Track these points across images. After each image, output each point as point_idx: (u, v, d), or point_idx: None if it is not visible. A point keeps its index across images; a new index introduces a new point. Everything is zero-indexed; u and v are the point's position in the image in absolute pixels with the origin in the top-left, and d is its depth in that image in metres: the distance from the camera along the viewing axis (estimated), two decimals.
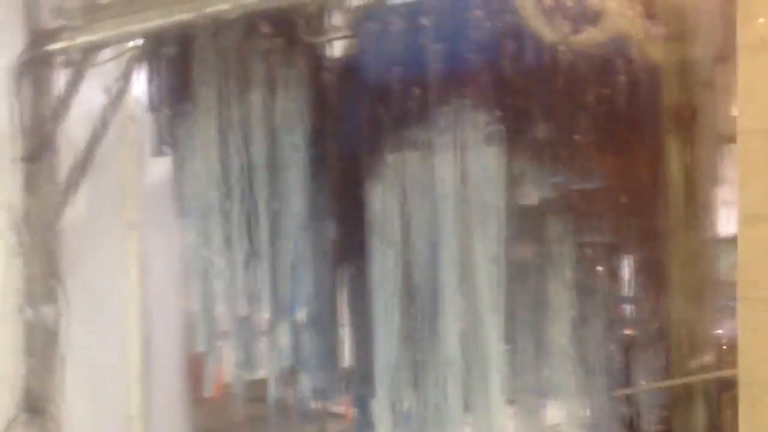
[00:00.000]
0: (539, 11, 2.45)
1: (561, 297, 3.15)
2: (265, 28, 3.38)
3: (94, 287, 4.92)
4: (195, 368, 5.63)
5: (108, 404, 5.01)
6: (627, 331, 3.25)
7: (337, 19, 3.36)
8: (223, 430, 5.63)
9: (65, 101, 3.98)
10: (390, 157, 3.24)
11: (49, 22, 3.88)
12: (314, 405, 3.83)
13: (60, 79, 4.06)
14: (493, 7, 2.84)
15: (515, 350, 3.20)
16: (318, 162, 3.51)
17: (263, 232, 3.57)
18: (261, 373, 3.95)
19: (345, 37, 3.38)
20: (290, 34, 3.38)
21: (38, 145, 4.03)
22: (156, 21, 3.42)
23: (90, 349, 4.83)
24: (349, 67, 3.33)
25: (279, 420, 3.79)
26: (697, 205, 2.64)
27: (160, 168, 4.71)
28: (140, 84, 4.47)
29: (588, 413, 3.21)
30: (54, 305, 4.44)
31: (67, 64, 3.90)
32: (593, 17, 2.47)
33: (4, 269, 4.42)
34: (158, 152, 3.81)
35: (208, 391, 5.10)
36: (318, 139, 3.49)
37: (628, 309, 3.23)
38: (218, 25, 3.42)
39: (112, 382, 5.09)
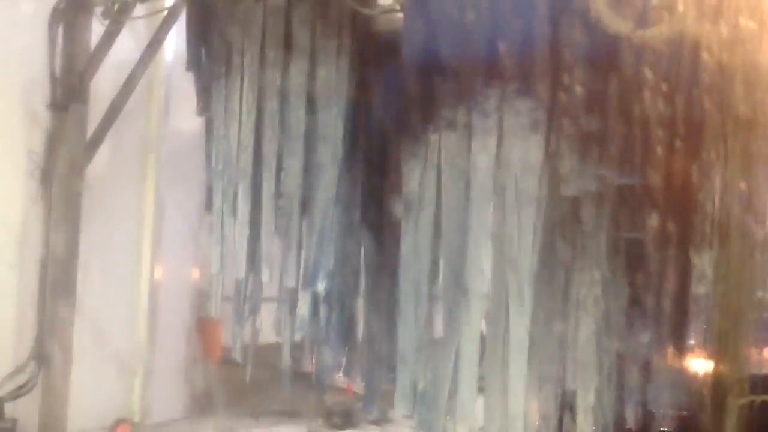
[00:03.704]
0: (610, 2, 2.40)
1: (588, 289, 3.13)
2: None
3: (109, 242, 4.91)
4: (201, 331, 5.67)
5: (114, 359, 5.03)
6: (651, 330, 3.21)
7: None
8: (222, 390, 5.68)
9: (100, 52, 3.92)
10: (430, 137, 3.19)
11: None
12: (322, 375, 3.81)
13: (95, 31, 4.00)
14: None
15: (539, 338, 3.18)
16: (354, 136, 3.47)
17: (292, 202, 3.52)
18: (267, 340, 3.94)
19: (394, 11, 3.32)
20: (338, 3, 3.31)
21: (68, 94, 3.97)
22: None
23: (101, 303, 4.83)
24: (396, 43, 3.26)
25: (285, 386, 3.76)
26: (754, 210, 2.61)
27: (185, 128, 4.68)
28: (174, 42, 4.43)
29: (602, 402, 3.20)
30: (70, 255, 4.41)
31: (105, 15, 3.82)
32: (660, 15, 2.42)
33: (25, 215, 4.39)
34: (201, 111, 3.71)
35: (214, 352, 5.11)
36: (357, 112, 3.44)
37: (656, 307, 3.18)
38: None
39: (120, 337, 5.10)
